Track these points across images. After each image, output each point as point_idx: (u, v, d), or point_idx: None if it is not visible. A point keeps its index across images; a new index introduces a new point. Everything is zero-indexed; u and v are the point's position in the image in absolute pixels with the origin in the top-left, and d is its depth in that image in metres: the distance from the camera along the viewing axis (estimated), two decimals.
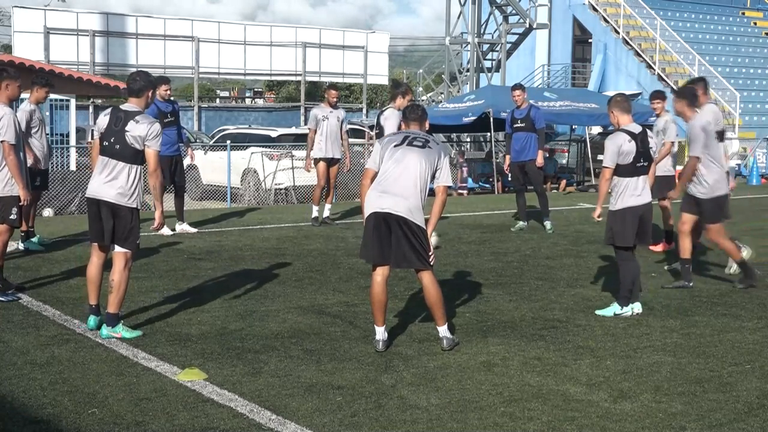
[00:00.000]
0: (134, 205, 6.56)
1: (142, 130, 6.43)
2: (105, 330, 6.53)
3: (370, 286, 6.35)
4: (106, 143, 6.52)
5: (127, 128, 6.43)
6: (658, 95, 11.16)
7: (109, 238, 6.58)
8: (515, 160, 12.80)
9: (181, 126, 12.31)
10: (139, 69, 7.37)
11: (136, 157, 6.49)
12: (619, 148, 7.40)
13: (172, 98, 12.10)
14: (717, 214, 8.59)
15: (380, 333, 6.30)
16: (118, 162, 6.48)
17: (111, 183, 6.49)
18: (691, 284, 8.66)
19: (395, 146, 6.31)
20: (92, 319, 6.68)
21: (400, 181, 6.18)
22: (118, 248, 6.58)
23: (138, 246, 6.69)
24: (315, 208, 13.03)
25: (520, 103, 12.72)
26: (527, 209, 13.02)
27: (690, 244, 8.73)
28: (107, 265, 6.72)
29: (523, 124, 12.63)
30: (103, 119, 6.61)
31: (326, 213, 13.21)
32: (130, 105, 6.61)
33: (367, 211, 6.27)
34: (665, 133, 10.90)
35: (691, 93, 8.68)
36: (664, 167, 10.77)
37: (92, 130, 16.39)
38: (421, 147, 6.28)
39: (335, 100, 12.81)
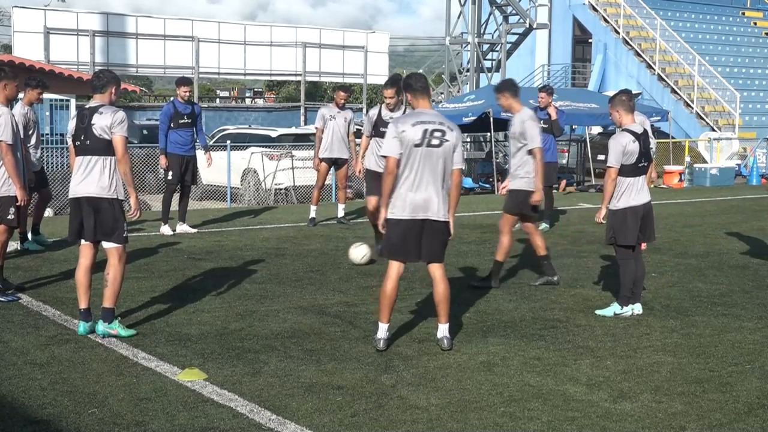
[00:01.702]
0: (114, 196, 6.58)
1: (106, 120, 6.53)
2: (101, 326, 6.53)
3: (382, 282, 6.31)
4: (78, 143, 6.63)
5: (92, 122, 6.54)
6: None
7: (91, 234, 6.59)
8: None
9: (201, 130, 12.36)
10: (103, 68, 7.50)
11: (108, 149, 6.56)
12: (624, 147, 7.36)
13: (193, 100, 12.24)
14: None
15: (383, 331, 6.30)
16: (92, 157, 6.56)
17: (88, 179, 6.56)
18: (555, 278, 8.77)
19: (416, 146, 6.26)
20: (82, 325, 6.63)
21: (428, 182, 6.26)
22: (107, 244, 6.59)
23: (127, 239, 6.70)
24: (313, 209, 13.02)
25: (544, 105, 12.75)
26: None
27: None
28: (100, 267, 6.70)
29: (546, 126, 12.64)
30: (72, 122, 6.76)
31: (340, 213, 13.24)
32: (94, 101, 6.71)
33: (397, 208, 6.27)
34: None
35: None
36: None
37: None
38: (439, 145, 6.28)
39: (343, 101, 12.78)
